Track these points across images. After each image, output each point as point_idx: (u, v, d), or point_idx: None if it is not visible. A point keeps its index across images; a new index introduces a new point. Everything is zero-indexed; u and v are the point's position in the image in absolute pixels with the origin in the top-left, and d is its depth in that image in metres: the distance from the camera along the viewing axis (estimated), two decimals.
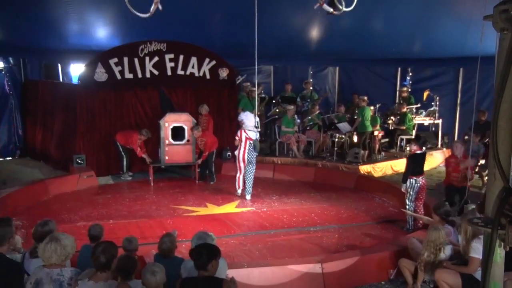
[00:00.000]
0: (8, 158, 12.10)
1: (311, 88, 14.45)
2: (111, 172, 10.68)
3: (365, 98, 12.07)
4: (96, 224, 5.12)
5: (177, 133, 10.18)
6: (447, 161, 8.56)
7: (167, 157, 10.10)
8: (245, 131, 8.87)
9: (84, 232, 5.97)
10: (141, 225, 7.41)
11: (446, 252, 5.32)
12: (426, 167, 8.90)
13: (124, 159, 10.46)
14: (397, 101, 14.35)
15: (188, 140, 10.13)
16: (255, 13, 6.42)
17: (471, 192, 8.16)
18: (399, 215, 8.17)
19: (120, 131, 10.40)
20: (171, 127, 10.07)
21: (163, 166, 10.60)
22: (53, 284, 3.40)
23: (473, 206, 5.72)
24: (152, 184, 10.06)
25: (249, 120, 8.85)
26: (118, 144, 10.31)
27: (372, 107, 12.29)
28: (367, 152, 11.46)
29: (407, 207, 7.22)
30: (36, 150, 12.06)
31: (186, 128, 10.08)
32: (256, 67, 7.45)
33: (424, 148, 7.72)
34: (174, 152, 10.15)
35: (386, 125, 13.01)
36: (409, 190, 7.18)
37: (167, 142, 10.05)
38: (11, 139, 12.36)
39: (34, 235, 4.47)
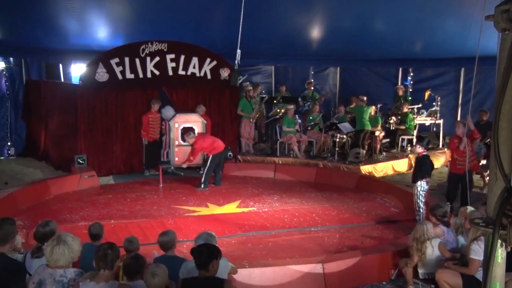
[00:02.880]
0: (10, 158, 12.11)
1: (312, 88, 14.45)
2: (112, 172, 10.70)
3: (364, 98, 12.05)
4: (96, 223, 5.11)
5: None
6: (451, 142, 8.19)
7: (177, 158, 10.01)
8: (168, 122, 10.43)
9: (85, 232, 5.97)
10: (142, 225, 7.41)
11: (434, 244, 5.45)
12: None
13: (144, 155, 10.74)
14: (393, 98, 14.33)
15: None
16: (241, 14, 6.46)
17: (473, 192, 8.13)
18: (400, 216, 8.17)
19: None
20: (181, 127, 9.96)
21: (173, 167, 10.58)
22: (56, 285, 3.40)
23: (472, 209, 5.73)
24: (161, 184, 9.96)
25: (168, 113, 10.39)
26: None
27: (373, 107, 12.27)
28: (365, 151, 11.42)
29: (421, 210, 7.19)
30: (38, 150, 12.08)
31: (196, 129, 10.00)
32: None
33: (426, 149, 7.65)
34: (184, 153, 10.00)
35: (387, 125, 12.99)
36: (420, 192, 7.17)
37: (177, 143, 9.95)
38: (6, 139, 12.40)
39: (35, 235, 4.47)
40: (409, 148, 12.56)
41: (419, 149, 7.42)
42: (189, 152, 9.82)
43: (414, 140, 12.05)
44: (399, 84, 15.06)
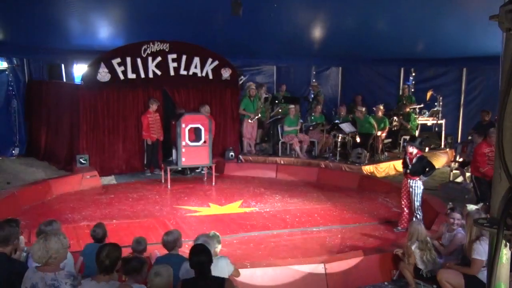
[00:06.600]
0: (12, 158, 12.14)
1: (318, 86, 14.47)
2: (114, 172, 10.71)
3: (363, 109, 12.02)
4: (98, 226, 5.04)
5: (194, 134, 10.10)
6: (480, 151, 7.98)
7: (184, 159, 9.93)
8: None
9: (87, 232, 5.99)
10: (144, 225, 7.41)
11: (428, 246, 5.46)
12: None
13: (145, 155, 10.83)
14: (398, 97, 14.31)
15: (204, 141, 9.92)
16: None
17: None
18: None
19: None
20: (188, 128, 9.86)
21: (180, 168, 10.58)
22: None
23: (475, 207, 5.70)
24: (169, 186, 9.90)
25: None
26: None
27: (381, 107, 12.24)
28: (368, 153, 11.40)
29: (418, 216, 7.08)
30: (40, 150, 12.10)
31: (203, 129, 9.92)
32: None
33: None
34: (191, 153, 9.94)
35: (389, 125, 12.97)
36: (417, 195, 7.10)
37: (184, 143, 9.85)
38: (12, 139, 12.43)
39: (38, 234, 4.48)
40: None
41: (413, 150, 7.16)
42: (196, 152, 10.02)
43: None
44: (401, 84, 15.05)
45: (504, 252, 1.72)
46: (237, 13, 8.13)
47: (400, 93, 14.51)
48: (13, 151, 12.40)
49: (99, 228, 4.97)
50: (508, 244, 1.68)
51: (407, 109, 12.81)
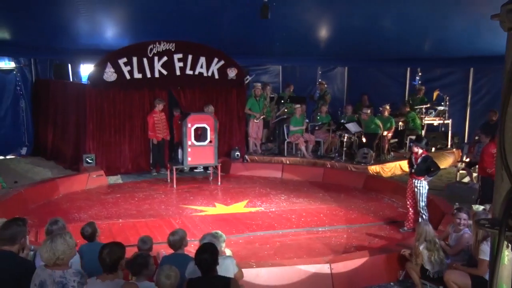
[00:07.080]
0: (19, 157, 12.24)
1: (325, 86, 14.44)
2: (120, 171, 10.75)
3: (368, 111, 11.97)
4: (88, 225, 4.99)
5: (199, 133, 10.12)
6: (489, 151, 7.85)
7: (190, 158, 9.92)
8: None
9: None
10: (150, 225, 7.45)
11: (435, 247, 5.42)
12: None
13: (151, 155, 10.88)
14: (407, 98, 14.26)
15: (210, 141, 9.92)
16: None
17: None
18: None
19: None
20: (194, 127, 9.85)
21: (186, 168, 10.60)
22: (56, 286, 3.38)
23: (481, 207, 5.67)
24: (175, 186, 9.92)
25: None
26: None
27: (387, 106, 12.20)
28: (374, 153, 11.36)
29: (424, 216, 7.06)
30: (47, 149, 12.18)
31: (208, 128, 9.92)
32: None
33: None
34: (197, 153, 9.95)
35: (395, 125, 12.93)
36: (422, 195, 7.08)
37: (189, 143, 9.84)
38: (22, 138, 12.52)
39: (46, 233, 4.54)
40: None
41: (418, 150, 7.13)
42: (202, 151, 10.00)
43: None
44: (407, 84, 14.99)
45: (506, 253, 1.71)
46: (266, 16, 8.21)
47: (406, 94, 14.47)
48: (21, 151, 12.50)
49: (89, 226, 4.93)
50: (510, 245, 1.67)
51: (407, 109, 12.79)
